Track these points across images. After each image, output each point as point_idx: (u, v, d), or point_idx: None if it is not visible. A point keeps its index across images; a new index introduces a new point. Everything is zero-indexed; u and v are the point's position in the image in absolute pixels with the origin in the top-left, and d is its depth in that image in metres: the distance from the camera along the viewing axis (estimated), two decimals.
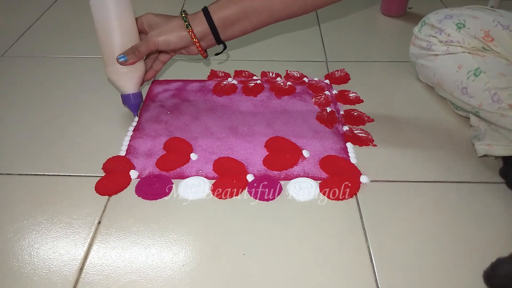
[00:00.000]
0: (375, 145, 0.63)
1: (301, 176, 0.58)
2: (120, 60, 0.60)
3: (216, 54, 0.68)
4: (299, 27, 0.97)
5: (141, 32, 0.63)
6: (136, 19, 0.62)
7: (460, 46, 0.64)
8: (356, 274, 0.47)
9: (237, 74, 0.80)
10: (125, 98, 0.64)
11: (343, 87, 0.76)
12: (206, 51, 0.62)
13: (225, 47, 0.64)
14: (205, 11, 0.59)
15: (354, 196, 0.56)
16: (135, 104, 0.64)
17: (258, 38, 0.93)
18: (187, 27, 0.58)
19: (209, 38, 0.60)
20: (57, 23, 0.98)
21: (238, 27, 0.59)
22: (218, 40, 0.61)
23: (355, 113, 0.69)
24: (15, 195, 0.55)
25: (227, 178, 0.57)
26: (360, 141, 0.64)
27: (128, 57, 0.60)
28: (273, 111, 0.70)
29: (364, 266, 0.47)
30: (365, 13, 1.03)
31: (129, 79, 0.62)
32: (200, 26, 0.58)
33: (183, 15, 0.59)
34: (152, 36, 0.59)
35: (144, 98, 0.72)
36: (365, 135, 0.65)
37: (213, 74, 0.80)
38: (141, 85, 0.66)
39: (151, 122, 0.68)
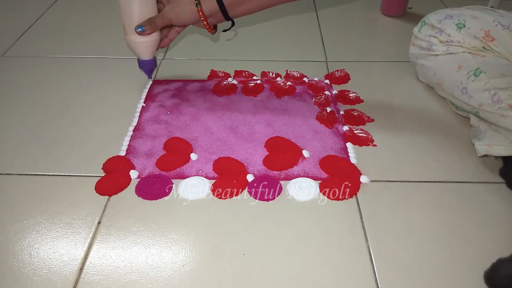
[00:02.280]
0: (375, 145, 0.63)
1: (301, 176, 0.58)
2: (137, 30, 0.66)
3: (224, 31, 0.72)
4: (299, 27, 0.97)
5: (159, 2, 0.68)
6: None
7: (461, 46, 0.64)
8: (356, 274, 0.47)
9: (237, 74, 0.80)
10: (142, 63, 0.72)
11: (343, 87, 0.76)
12: (216, 27, 0.69)
13: (233, 24, 0.68)
14: None
15: (354, 196, 0.56)
16: (150, 69, 0.73)
17: (258, 38, 0.93)
18: (196, 5, 0.63)
19: (218, 15, 0.64)
20: (57, 23, 0.98)
21: (245, 5, 0.64)
22: (227, 17, 0.65)
23: (355, 113, 0.69)
24: (15, 195, 0.55)
25: (227, 178, 0.57)
26: (360, 141, 0.64)
27: (145, 28, 0.66)
28: (273, 111, 0.70)
29: (364, 266, 0.47)
30: (365, 13, 1.03)
31: (145, 47, 0.69)
32: (210, 5, 0.63)
33: None
34: (166, 12, 0.65)
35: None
36: (365, 135, 0.65)
37: (213, 74, 0.80)
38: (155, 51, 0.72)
39: (151, 122, 0.68)
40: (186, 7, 0.63)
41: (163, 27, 0.69)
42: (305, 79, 0.78)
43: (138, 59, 0.72)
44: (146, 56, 0.71)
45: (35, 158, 0.61)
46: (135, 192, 0.56)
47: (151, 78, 0.76)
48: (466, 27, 0.64)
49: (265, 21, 0.99)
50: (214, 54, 0.86)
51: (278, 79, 0.78)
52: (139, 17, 0.66)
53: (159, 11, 0.68)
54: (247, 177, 0.58)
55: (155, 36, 0.68)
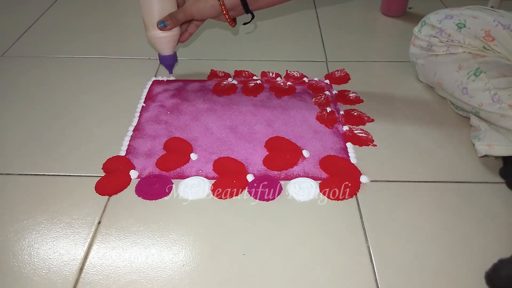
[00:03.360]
0: (375, 145, 0.63)
1: (301, 176, 0.58)
2: (160, 26, 0.67)
3: (245, 24, 0.73)
4: (299, 27, 0.97)
5: None
6: None
7: (461, 46, 0.64)
8: (356, 274, 0.47)
9: (237, 74, 0.80)
10: (163, 59, 0.73)
11: (343, 87, 0.76)
12: (235, 20, 0.70)
13: (253, 17, 0.69)
14: None
15: (354, 196, 0.56)
16: (171, 64, 0.75)
17: (258, 38, 0.93)
18: (219, 0, 0.64)
19: (238, 8, 0.66)
20: (57, 23, 0.98)
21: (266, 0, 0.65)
22: (247, 10, 0.66)
23: (355, 113, 0.69)
24: (15, 195, 0.55)
25: (227, 178, 0.57)
26: (360, 141, 0.64)
27: (167, 23, 0.67)
28: (273, 111, 0.70)
29: (364, 266, 0.47)
30: (365, 13, 1.03)
31: (166, 42, 0.70)
32: None
33: None
34: (188, 6, 0.66)
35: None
36: (365, 135, 0.65)
37: (213, 74, 0.80)
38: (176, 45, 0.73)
39: (151, 122, 0.68)
40: (208, 1, 0.65)
41: (183, 22, 0.70)
42: (305, 79, 0.78)
43: (159, 54, 0.73)
44: (167, 51, 0.72)
45: (35, 158, 0.61)
46: (135, 192, 0.56)
47: (172, 73, 0.77)
48: (467, 27, 0.64)
49: (265, 21, 0.99)
50: (214, 54, 0.86)
51: (278, 79, 0.78)
52: (160, 12, 0.67)
53: (178, 6, 0.69)
54: (247, 177, 0.58)
55: (175, 31, 0.70)
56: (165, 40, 0.70)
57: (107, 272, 0.47)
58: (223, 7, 0.64)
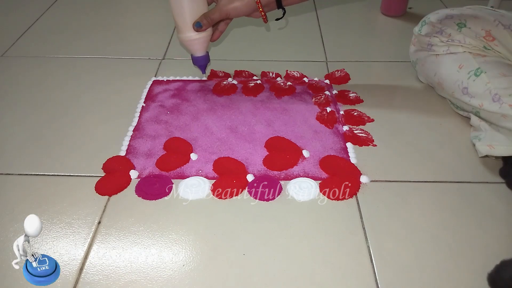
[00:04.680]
0: (375, 145, 0.63)
1: (301, 176, 0.58)
2: (196, 27, 0.66)
3: (277, 20, 0.72)
4: (299, 27, 0.97)
5: None
6: None
7: (461, 46, 0.64)
8: (356, 274, 0.47)
9: (237, 74, 0.80)
10: (196, 60, 0.72)
11: (343, 87, 0.76)
12: (266, 16, 0.69)
13: (284, 12, 0.68)
14: None
15: (354, 196, 0.56)
16: (204, 64, 0.73)
17: (258, 38, 0.93)
18: None
19: (272, 5, 0.66)
20: (57, 23, 0.98)
21: None
22: (280, 6, 0.66)
23: (355, 113, 0.69)
24: (15, 195, 0.55)
25: (227, 178, 0.57)
26: (360, 141, 0.64)
27: (202, 24, 0.66)
28: (273, 111, 0.70)
29: (364, 266, 0.47)
30: (365, 13, 1.03)
31: (199, 43, 0.69)
32: None
33: None
34: (223, 5, 0.65)
35: (145, 99, 0.73)
36: (365, 135, 0.65)
37: (213, 74, 0.80)
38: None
39: (151, 122, 0.68)
40: None
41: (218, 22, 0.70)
42: (305, 79, 0.78)
43: (192, 55, 0.72)
44: (200, 52, 0.71)
45: (35, 158, 0.61)
46: (135, 192, 0.56)
47: (205, 73, 0.75)
48: (467, 27, 0.64)
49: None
50: (214, 54, 0.86)
51: (278, 79, 0.78)
52: (192, 13, 0.66)
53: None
54: (247, 177, 0.58)
55: (209, 31, 0.69)
56: (199, 41, 0.69)
57: (107, 272, 0.47)
58: (259, 4, 0.65)
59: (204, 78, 0.77)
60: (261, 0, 0.65)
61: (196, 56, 0.72)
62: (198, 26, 0.66)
